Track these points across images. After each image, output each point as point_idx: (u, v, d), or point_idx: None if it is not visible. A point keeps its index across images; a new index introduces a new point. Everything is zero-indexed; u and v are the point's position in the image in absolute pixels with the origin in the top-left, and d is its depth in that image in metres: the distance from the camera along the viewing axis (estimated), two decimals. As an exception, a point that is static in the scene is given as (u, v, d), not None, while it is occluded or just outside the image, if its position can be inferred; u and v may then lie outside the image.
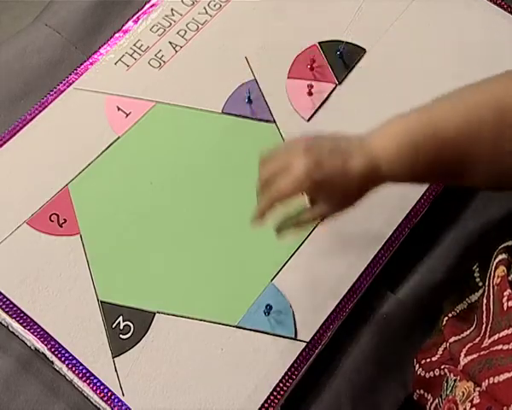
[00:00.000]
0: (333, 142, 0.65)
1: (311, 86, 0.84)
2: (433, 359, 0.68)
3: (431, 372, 0.67)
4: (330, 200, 0.66)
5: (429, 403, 0.67)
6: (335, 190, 0.64)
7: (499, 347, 0.59)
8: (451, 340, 0.67)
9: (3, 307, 0.71)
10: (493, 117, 0.61)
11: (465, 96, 0.64)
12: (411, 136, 0.63)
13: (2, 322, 0.72)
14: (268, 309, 0.71)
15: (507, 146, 0.61)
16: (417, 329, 0.73)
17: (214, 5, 0.90)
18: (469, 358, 0.62)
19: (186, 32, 0.88)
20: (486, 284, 0.66)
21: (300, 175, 0.63)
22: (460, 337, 0.67)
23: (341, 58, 0.86)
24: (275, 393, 0.68)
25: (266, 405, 0.68)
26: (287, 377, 0.69)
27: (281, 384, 0.68)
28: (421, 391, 0.68)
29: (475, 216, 0.80)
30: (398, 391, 0.70)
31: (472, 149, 0.62)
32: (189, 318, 0.71)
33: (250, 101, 0.83)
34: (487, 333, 0.63)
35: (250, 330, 0.71)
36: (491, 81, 0.63)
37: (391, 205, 0.77)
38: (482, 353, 0.61)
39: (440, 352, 0.68)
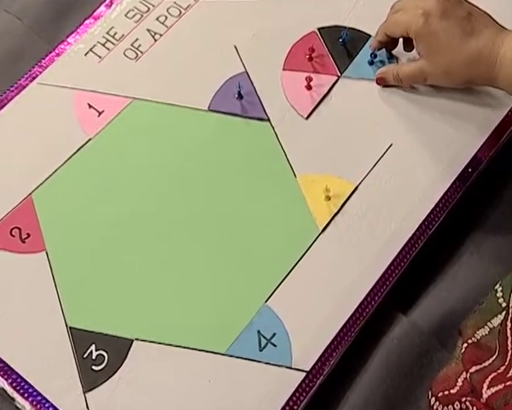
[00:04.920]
0: (473, 11, 0.74)
1: (309, 79, 0.83)
2: (452, 391, 0.66)
3: (450, 406, 0.65)
4: (434, 58, 0.74)
5: None
6: (445, 49, 0.73)
7: None
8: (472, 370, 0.66)
9: (-44, 336, 0.70)
10: None
11: None
12: None
13: (-45, 353, 0.70)
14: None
15: None
16: (432, 355, 0.72)
17: (199, -13, 0.90)
18: (493, 390, 0.61)
19: (167, 17, 0.88)
20: (511, 305, 0.65)
21: (421, 14, 0.73)
22: (481, 367, 0.66)
23: (344, 46, 0.86)
24: (271, 431, 0.67)
25: (261, 444, 0.66)
26: (284, 413, 0.67)
27: (278, 421, 0.67)
28: None
29: (493, 232, 0.79)
30: (411, 426, 0.69)
31: None
32: (171, 345, 0.70)
33: (240, 96, 0.82)
34: None
35: (241, 358, 0.70)
36: None
37: (401, 217, 0.77)
38: (508, 383, 0.60)
39: (460, 383, 0.67)
